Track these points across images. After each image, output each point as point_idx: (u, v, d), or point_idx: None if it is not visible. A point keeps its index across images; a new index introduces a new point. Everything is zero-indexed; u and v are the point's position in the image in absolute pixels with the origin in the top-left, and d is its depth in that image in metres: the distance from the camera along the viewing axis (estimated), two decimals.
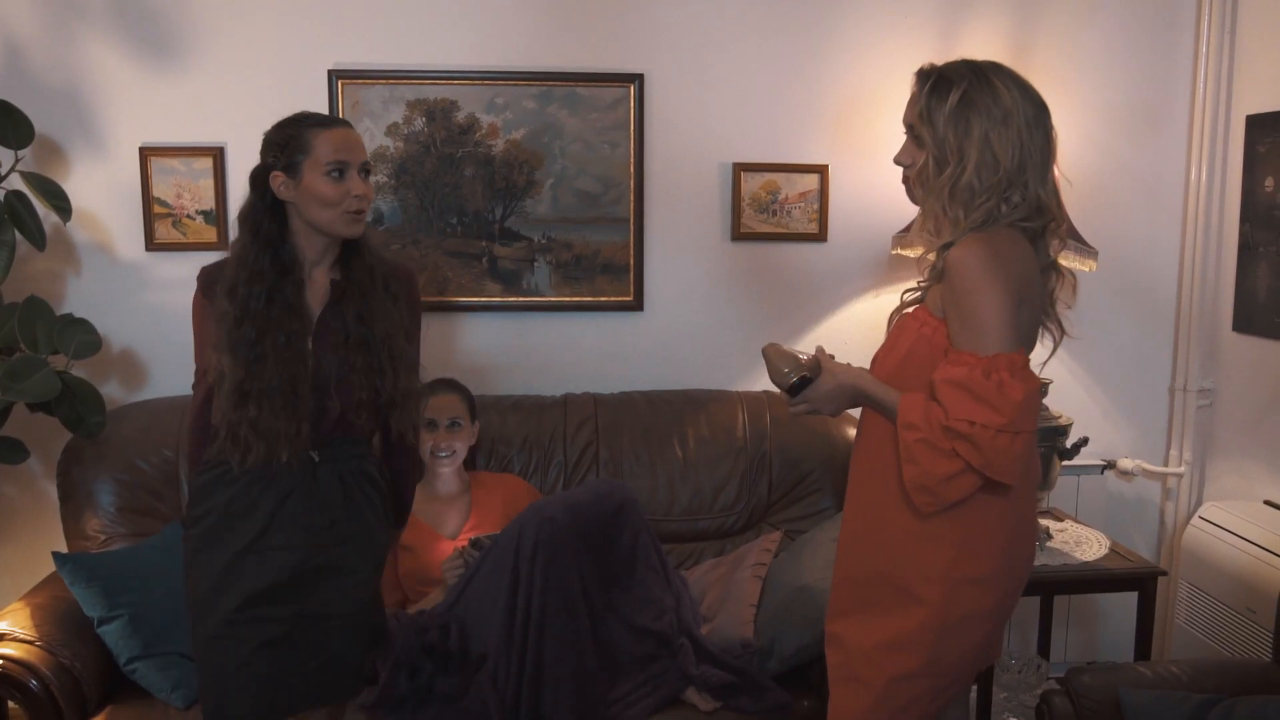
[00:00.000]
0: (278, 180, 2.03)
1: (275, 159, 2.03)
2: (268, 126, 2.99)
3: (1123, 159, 3.29)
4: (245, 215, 2.07)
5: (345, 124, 2.09)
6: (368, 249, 2.12)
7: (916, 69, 1.88)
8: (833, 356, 1.95)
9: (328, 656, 2.08)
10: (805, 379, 1.88)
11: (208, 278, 2.11)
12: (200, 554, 2.07)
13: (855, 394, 1.88)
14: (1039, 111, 1.83)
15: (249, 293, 2.00)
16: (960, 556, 1.80)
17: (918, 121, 1.82)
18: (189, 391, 3.11)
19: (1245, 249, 3.14)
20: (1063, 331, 1.95)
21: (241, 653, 2.01)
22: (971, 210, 1.79)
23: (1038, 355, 1.89)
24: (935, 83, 1.81)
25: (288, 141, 2.03)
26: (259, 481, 2.03)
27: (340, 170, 2.01)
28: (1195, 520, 3.09)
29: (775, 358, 1.91)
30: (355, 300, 2.07)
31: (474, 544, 2.61)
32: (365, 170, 2.06)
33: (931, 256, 1.87)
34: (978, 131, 1.77)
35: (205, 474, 2.10)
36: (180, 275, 3.05)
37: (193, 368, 2.21)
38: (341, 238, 2.07)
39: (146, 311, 3.05)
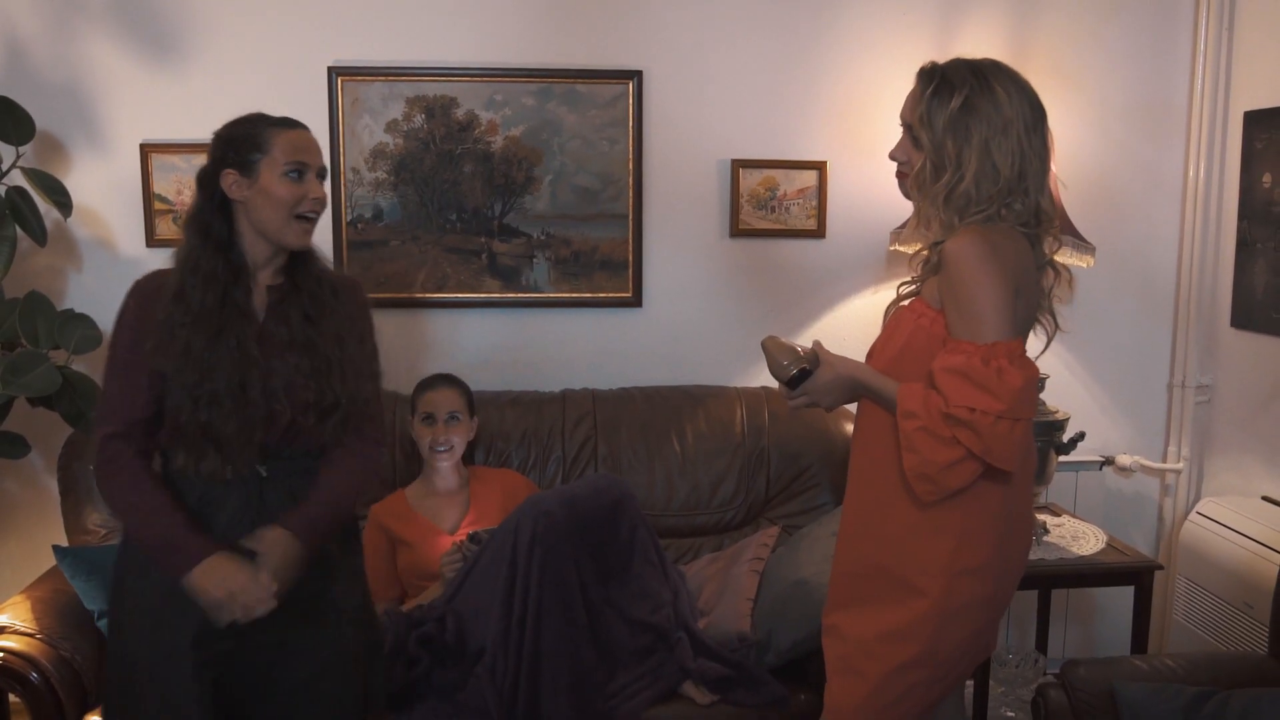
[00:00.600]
0: (230, 179, 1.93)
1: (228, 156, 1.94)
2: None
3: (1121, 155, 3.29)
4: (193, 217, 1.97)
5: (304, 126, 2.01)
6: (315, 257, 2.04)
7: (919, 66, 1.87)
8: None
9: (288, 691, 1.96)
10: (805, 371, 1.89)
11: (146, 290, 1.97)
12: (139, 582, 1.94)
13: (854, 385, 1.89)
14: (1037, 116, 1.83)
15: (203, 297, 1.91)
16: (961, 547, 1.81)
17: (917, 124, 1.82)
18: None
19: (1243, 245, 3.14)
20: (1056, 326, 1.96)
21: (188, 696, 1.89)
22: (967, 216, 1.80)
23: (1031, 350, 1.89)
24: (938, 86, 1.81)
25: (244, 138, 1.95)
26: (207, 508, 1.93)
27: (299, 172, 1.95)
28: (1193, 516, 3.10)
29: (774, 350, 1.92)
30: (300, 303, 1.98)
31: (472, 538, 2.62)
32: (322, 175, 2.00)
33: (925, 252, 1.89)
34: (977, 139, 1.77)
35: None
36: None
37: None
38: (288, 248, 1.98)
39: None
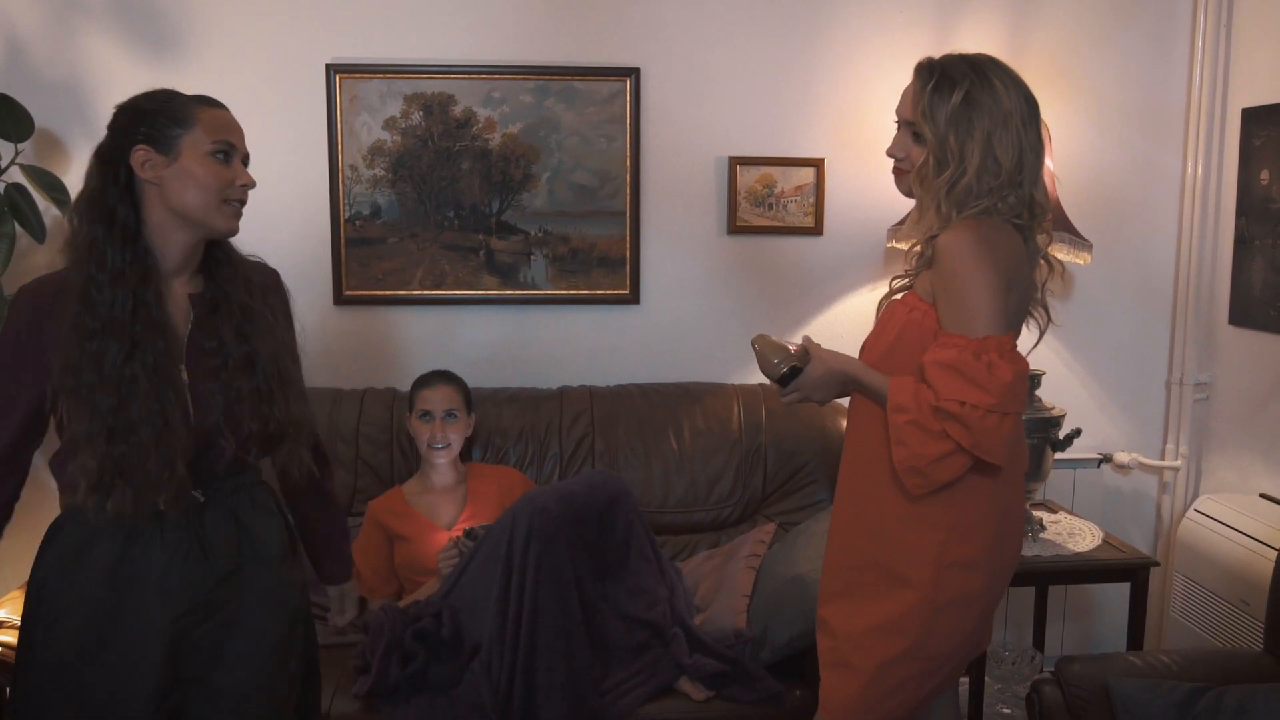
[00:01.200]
0: (141, 156, 1.66)
1: (139, 130, 1.67)
2: (268, 120, 3.05)
3: (1119, 152, 3.29)
4: (94, 200, 1.66)
5: (226, 107, 1.79)
6: (236, 255, 1.82)
7: (915, 63, 1.88)
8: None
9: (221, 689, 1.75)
10: (795, 369, 1.90)
11: (35, 299, 1.67)
12: (67, 664, 1.70)
13: (845, 379, 1.90)
14: (1032, 109, 1.85)
15: (112, 298, 1.62)
16: (950, 540, 1.82)
17: (920, 119, 1.83)
18: None
19: (1241, 242, 3.14)
20: (1049, 319, 1.97)
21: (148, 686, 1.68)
22: (965, 209, 1.81)
23: (1025, 344, 1.90)
24: (938, 81, 1.81)
25: (162, 112, 1.68)
26: (137, 543, 1.69)
27: (226, 153, 1.70)
28: (1190, 513, 3.10)
29: (764, 349, 1.93)
30: (232, 315, 1.74)
31: (468, 534, 2.63)
32: (246, 160, 1.77)
33: (919, 247, 1.89)
34: (979, 133, 1.79)
35: (58, 543, 1.75)
36: None
37: None
38: (215, 234, 1.73)
39: None
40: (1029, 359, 1.85)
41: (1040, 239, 1.91)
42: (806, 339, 1.96)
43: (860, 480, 1.92)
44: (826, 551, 2.00)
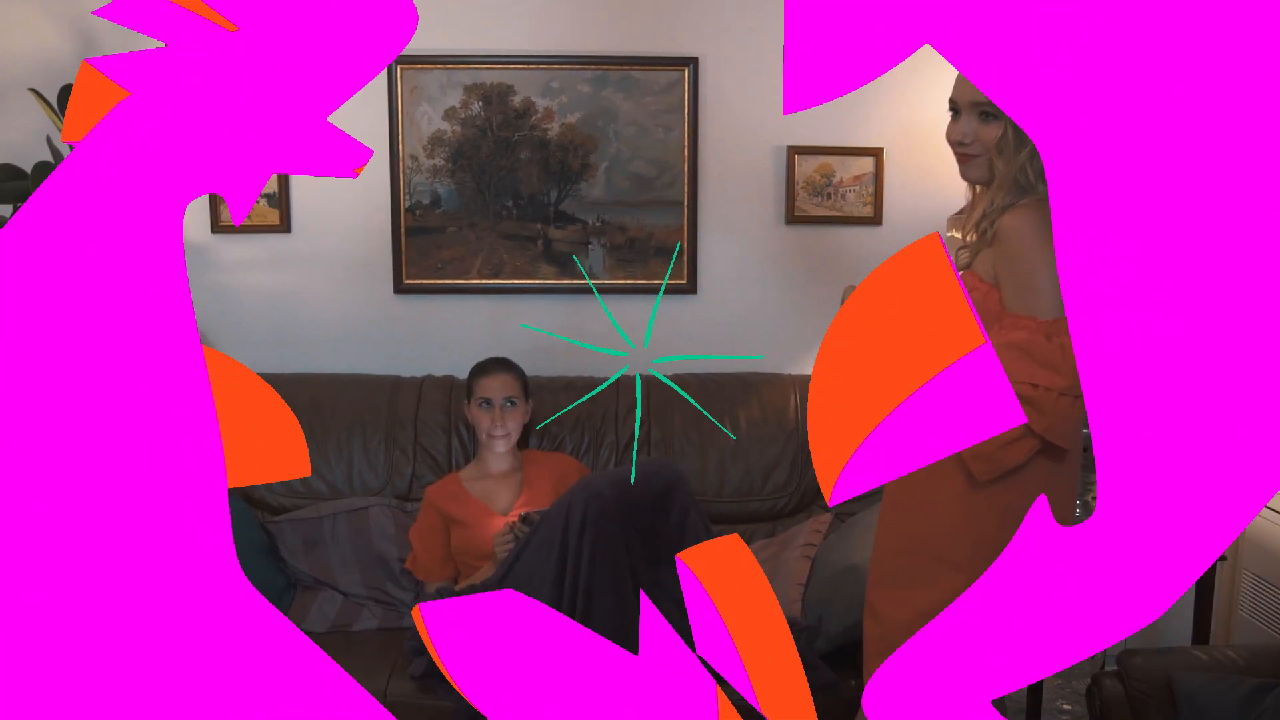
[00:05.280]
0: None
1: None
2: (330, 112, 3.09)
3: None
4: None
5: None
6: None
7: None
8: None
9: None
10: None
11: None
12: None
13: None
14: None
15: None
16: (1006, 525, 1.79)
17: None
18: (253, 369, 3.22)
19: None
20: None
21: None
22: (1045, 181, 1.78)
23: None
24: None
25: None
26: None
27: None
28: (1262, 509, 3.02)
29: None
30: None
31: (524, 519, 2.65)
32: None
33: (979, 225, 1.86)
34: None
35: None
36: (243, 257, 3.15)
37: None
38: None
39: (210, 292, 3.14)
40: None
41: None
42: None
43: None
44: (877, 536, 1.99)
